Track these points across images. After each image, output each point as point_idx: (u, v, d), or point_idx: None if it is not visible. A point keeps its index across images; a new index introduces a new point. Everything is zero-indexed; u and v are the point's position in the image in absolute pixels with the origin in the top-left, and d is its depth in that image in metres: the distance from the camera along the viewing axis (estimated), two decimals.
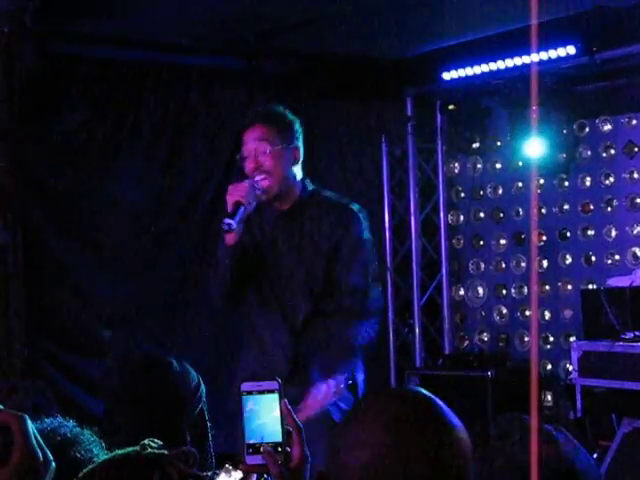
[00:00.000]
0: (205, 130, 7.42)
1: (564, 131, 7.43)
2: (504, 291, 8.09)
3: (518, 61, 7.14)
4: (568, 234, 7.69)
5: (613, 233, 7.42)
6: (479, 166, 8.23)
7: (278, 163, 4.42)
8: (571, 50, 6.84)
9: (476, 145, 8.17)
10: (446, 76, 7.64)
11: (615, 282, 6.84)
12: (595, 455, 6.35)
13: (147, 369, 2.97)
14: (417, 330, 8.26)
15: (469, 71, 7.48)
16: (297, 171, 4.55)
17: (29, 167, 6.70)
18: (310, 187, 4.61)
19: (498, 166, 8.12)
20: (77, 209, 6.93)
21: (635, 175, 7.29)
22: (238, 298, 4.61)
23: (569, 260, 7.68)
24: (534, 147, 7.32)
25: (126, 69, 7.00)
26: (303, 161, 7.77)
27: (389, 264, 8.28)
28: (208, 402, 3.14)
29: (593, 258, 7.55)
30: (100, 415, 3.01)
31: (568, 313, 7.60)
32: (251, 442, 2.33)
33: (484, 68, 7.38)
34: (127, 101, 7.05)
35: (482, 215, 8.24)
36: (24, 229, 6.57)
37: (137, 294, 7.10)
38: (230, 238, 4.32)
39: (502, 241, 8.10)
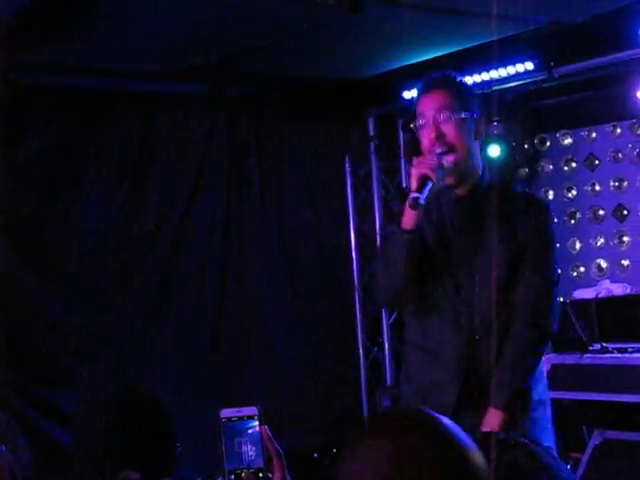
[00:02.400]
0: (169, 156, 7.42)
1: (525, 146, 7.50)
2: None
3: (477, 78, 7.20)
4: None
5: (577, 245, 7.48)
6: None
7: (462, 134, 3.75)
8: (529, 66, 6.91)
9: None
10: (407, 95, 7.68)
11: (581, 294, 6.90)
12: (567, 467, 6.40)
13: (117, 399, 2.96)
14: (387, 348, 8.27)
15: None
16: (477, 150, 3.87)
17: None
18: (488, 171, 3.93)
19: None
20: (42, 237, 6.91)
21: (597, 187, 7.36)
22: (410, 298, 3.99)
23: None
24: (494, 150, 7.35)
25: (89, 96, 6.99)
26: (269, 180, 7.87)
27: (357, 283, 8.29)
28: (178, 427, 3.15)
29: (558, 271, 7.57)
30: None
31: None
32: (232, 468, 2.34)
33: None
34: (91, 128, 7.04)
35: None
36: None
37: (106, 322, 7.08)
38: (409, 221, 3.65)
39: None
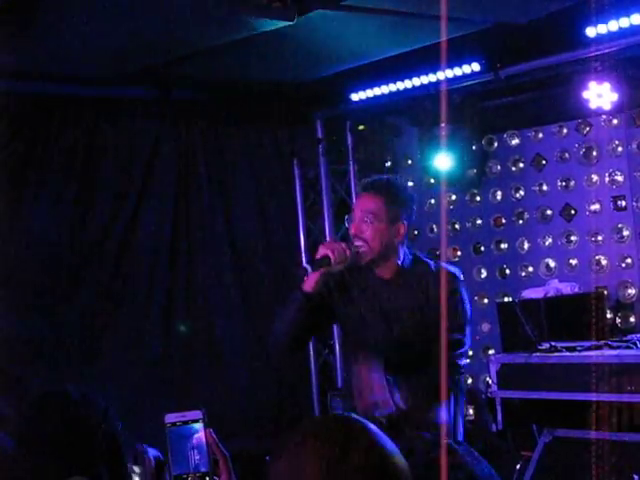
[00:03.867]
0: (116, 160, 7.37)
1: (473, 147, 7.53)
2: None
3: (425, 79, 7.22)
4: (482, 248, 7.79)
5: (526, 245, 7.53)
6: None
7: (378, 236, 4.58)
8: (476, 67, 6.94)
9: (388, 164, 8.24)
10: (354, 97, 7.70)
11: (529, 294, 6.94)
12: (518, 466, 6.43)
13: (43, 408, 2.93)
14: (337, 350, 8.27)
15: (377, 91, 7.55)
16: (400, 244, 4.67)
17: None
18: (410, 256, 4.74)
19: (410, 184, 8.16)
20: None
21: (544, 187, 7.41)
22: (301, 345, 5.05)
23: (484, 274, 7.77)
24: (443, 161, 7.41)
25: (34, 102, 6.92)
26: (218, 184, 7.83)
27: None
28: (131, 433, 3.11)
29: (507, 271, 7.64)
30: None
31: (486, 326, 7.68)
32: (178, 473, 2.32)
33: (392, 87, 7.46)
34: (35, 134, 6.97)
35: None
36: None
37: (51, 329, 7.01)
38: (309, 284, 4.53)
39: None
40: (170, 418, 2.33)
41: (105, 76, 6.93)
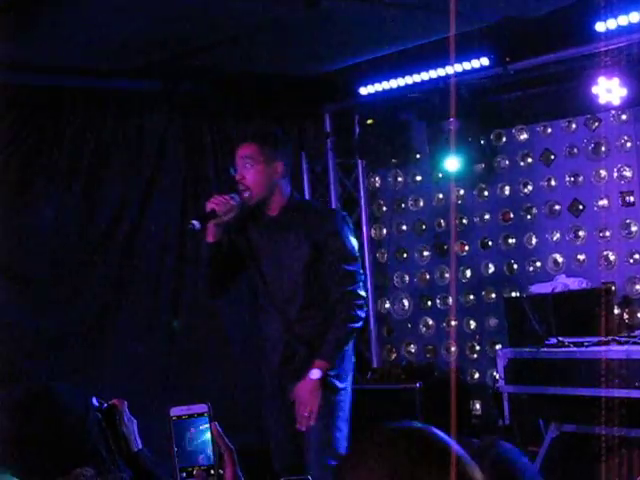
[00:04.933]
0: (124, 154, 7.36)
1: (481, 141, 7.52)
2: (429, 302, 8.14)
3: (434, 74, 7.21)
4: (490, 243, 7.77)
5: (533, 240, 7.52)
6: (400, 179, 8.28)
7: (258, 178, 5.12)
8: (485, 61, 6.92)
9: (396, 159, 8.23)
10: (363, 91, 7.69)
11: (537, 289, 6.93)
12: None
13: (25, 406, 2.93)
14: None
15: (386, 85, 7.55)
16: (282, 183, 5.23)
17: None
18: (297, 197, 5.40)
19: (418, 178, 8.19)
20: None
21: (552, 182, 7.39)
22: (222, 292, 5.56)
23: (492, 269, 7.75)
24: (452, 163, 7.41)
25: (42, 95, 6.92)
26: (225, 177, 7.83)
27: None
28: (139, 426, 3.13)
29: (515, 266, 7.63)
30: None
31: (493, 321, 7.67)
32: (183, 466, 2.32)
33: (400, 82, 7.45)
34: (43, 127, 6.97)
35: (404, 228, 8.29)
36: None
37: (59, 323, 7.01)
38: (209, 236, 5.09)
39: (425, 253, 8.15)
40: (175, 411, 2.33)
41: (112, 69, 6.94)
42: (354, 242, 5.32)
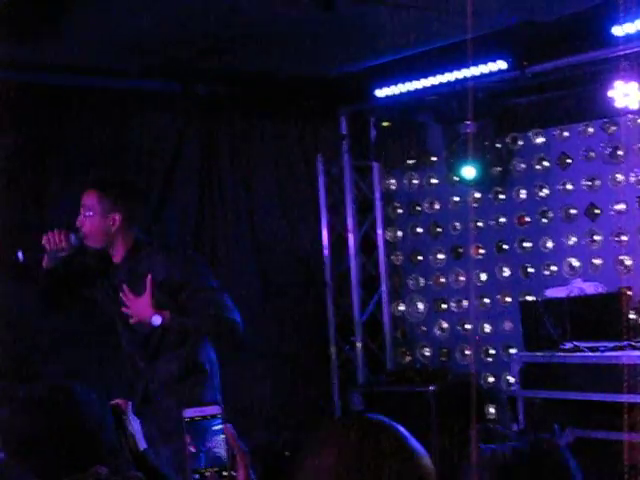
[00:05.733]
0: (140, 154, 7.36)
1: (498, 145, 7.50)
2: (444, 305, 8.13)
3: (450, 77, 7.20)
4: (505, 247, 7.75)
5: (549, 244, 7.50)
6: (415, 182, 8.27)
7: (95, 228, 5.04)
8: (502, 65, 6.91)
9: (411, 161, 8.22)
10: (379, 93, 7.68)
11: (553, 293, 6.91)
12: None
13: (44, 404, 2.93)
14: (359, 347, 8.27)
15: (402, 88, 7.53)
16: (122, 232, 5.08)
17: None
18: (139, 241, 5.15)
19: (434, 181, 8.17)
20: (13, 236, 6.84)
21: (569, 186, 7.37)
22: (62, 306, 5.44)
23: (507, 272, 7.73)
24: (469, 171, 7.40)
25: (59, 94, 6.93)
26: (241, 178, 7.83)
27: (328, 281, 8.28)
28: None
29: (530, 270, 7.61)
30: None
31: (508, 325, 7.65)
32: (196, 468, 2.32)
33: (417, 84, 7.44)
34: (60, 126, 6.98)
35: (420, 230, 8.28)
36: None
37: (75, 322, 7.01)
38: (44, 262, 5.05)
39: (440, 256, 8.14)
40: (189, 413, 2.33)
41: (130, 69, 6.95)
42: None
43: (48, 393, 2.97)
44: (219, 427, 2.31)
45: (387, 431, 1.96)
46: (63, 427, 2.85)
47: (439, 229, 8.14)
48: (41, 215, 6.90)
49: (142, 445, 3.17)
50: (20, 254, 4.97)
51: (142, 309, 4.87)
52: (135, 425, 3.17)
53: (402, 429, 1.98)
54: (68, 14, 5.61)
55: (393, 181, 8.43)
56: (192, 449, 2.31)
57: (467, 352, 7.94)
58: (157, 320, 4.84)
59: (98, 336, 7.07)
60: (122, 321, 5.14)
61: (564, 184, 7.40)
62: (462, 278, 8.01)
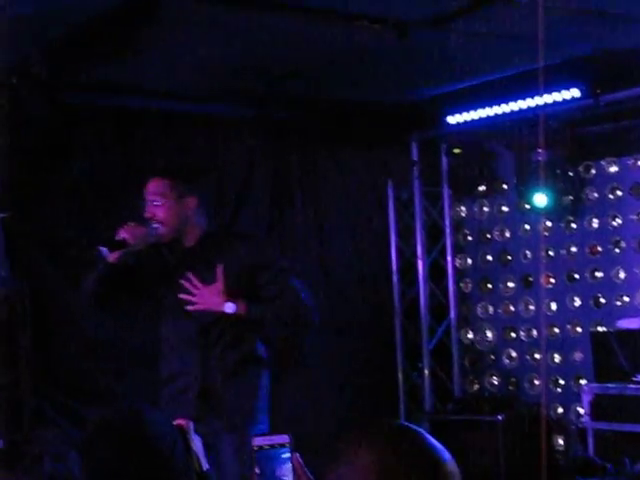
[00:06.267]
0: (212, 178, 7.42)
1: (570, 173, 7.45)
2: (513, 334, 8.07)
3: (523, 104, 7.17)
4: (576, 276, 7.67)
5: (621, 275, 7.41)
6: (486, 209, 8.24)
7: (170, 214, 4.97)
8: (576, 93, 6.87)
9: (482, 188, 8.19)
10: (451, 120, 7.67)
11: (625, 324, 6.83)
12: None
13: (117, 430, 2.95)
14: (426, 374, 8.23)
15: (474, 115, 7.52)
16: (196, 216, 5.05)
17: (37, 215, 6.72)
18: (213, 228, 5.22)
19: (505, 209, 8.13)
20: (83, 254, 6.92)
21: None
22: (106, 302, 5.14)
23: (578, 302, 7.66)
24: (540, 199, 7.36)
25: (134, 117, 7.03)
26: (311, 203, 7.85)
27: (397, 308, 8.27)
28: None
29: (602, 300, 7.52)
30: None
31: (578, 356, 7.57)
32: None
33: (489, 111, 7.42)
34: (136, 148, 7.08)
35: (490, 258, 8.23)
36: (31, 277, 6.57)
37: (146, 342, 7.07)
38: (112, 257, 4.88)
39: (510, 284, 8.09)
40: (258, 441, 2.34)
41: (205, 94, 7.02)
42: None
43: (119, 417, 2.99)
44: (287, 456, 2.32)
45: (410, 436, 1.97)
46: (136, 451, 2.87)
47: (509, 257, 8.09)
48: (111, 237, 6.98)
49: (205, 465, 3.18)
50: (104, 249, 4.85)
51: (212, 297, 4.82)
52: (198, 444, 3.18)
53: (427, 435, 1.98)
54: (145, 38, 5.69)
55: (463, 208, 8.40)
56: (261, 477, 2.32)
57: (536, 382, 7.86)
58: (230, 308, 4.80)
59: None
60: (174, 310, 5.04)
61: (637, 214, 7.32)
62: (532, 307, 7.95)
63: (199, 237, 5.07)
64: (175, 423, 3.13)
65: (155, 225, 4.97)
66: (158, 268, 5.15)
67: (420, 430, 2.00)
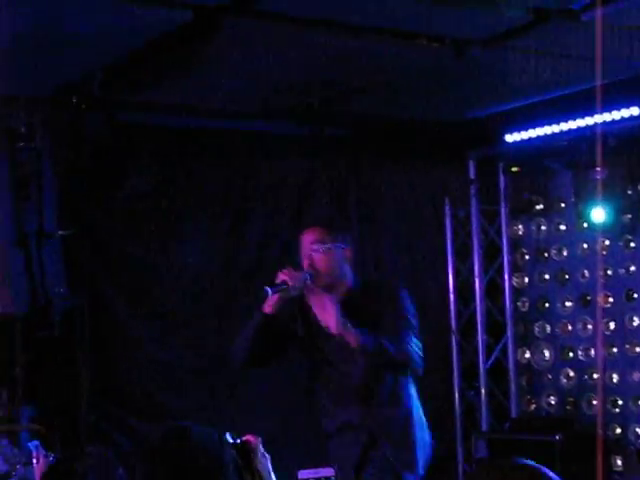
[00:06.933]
0: (268, 194, 7.46)
1: (629, 192, 7.39)
2: (571, 354, 8.00)
3: (581, 122, 7.14)
4: (635, 295, 7.60)
5: None
6: (543, 228, 8.19)
7: (328, 262, 5.08)
8: (635, 111, 6.83)
9: (540, 207, 8.15)
10: (509, 138, 7.65)
11: None
12: None
13: (160, 448, 2.97)
14: (483, 393, 8.19)
15: (532, 133, 7.50)
16: (347, 267, 5.19)
17: (96, 233, 6.80)
18: (357, 278, 5.25)
19: (562, 227, 8.08)
20: (142, 274, 7.00)
21: None
22: (260, 362, 5.24)
23: (636, 322, 7.58)
24: (598, 214, 7.30)
25: (191, 136, 7.09)
26: (368, 220, 7.86)
27: (453, 326, 8.24)
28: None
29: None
30: None
31: (637, 375, 7.49)
32: None
33: (547, 130, 7.39)
34: (192, 167, 7.14)
35: (547, 277, 8.18)
36: (91, 294, 6.64)
37: (200, 360, 7.12)
38: (268, 306, 4.97)
39: (568, 303, 8.03)
40: (303, 474, 2.36)
41: (261, 112, 7.07)
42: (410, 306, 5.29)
43: (162, 436, 3.01)
44: None
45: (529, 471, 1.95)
46: (177, 469, 2.89)
47: (567, 276, 8.03)
48: (169, 256, 7.04)
49: None
50: (269, 289, 4.90)
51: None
52: (265, 462, 3.19)
53: (550, 473, 1.98)
54: (204, 58, 5.75)
55: (521, 227, 8.36)
56: None
57: (594, 402, 7.79)
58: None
59: (218, 375, 7.18)
60: (329, 363, 5.18)
61: None
62: (590, 326, 7.88)
63: (347, 290, 5.17)
64: (244, 439, 3.15)
65: (312, 272, 5.05)
66: (305, 325, 5.20)
67: (541, 467, 1.99)
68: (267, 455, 3.20)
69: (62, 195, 6.49)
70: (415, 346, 5.15)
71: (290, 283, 4.93)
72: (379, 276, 5.37)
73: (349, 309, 5.01)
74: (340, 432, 5.12)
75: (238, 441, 3.16)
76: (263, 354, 5.17)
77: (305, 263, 5.10)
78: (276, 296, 4.93)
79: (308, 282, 5.00)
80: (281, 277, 4.95)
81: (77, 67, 5.86)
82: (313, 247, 5.09)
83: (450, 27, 5.54)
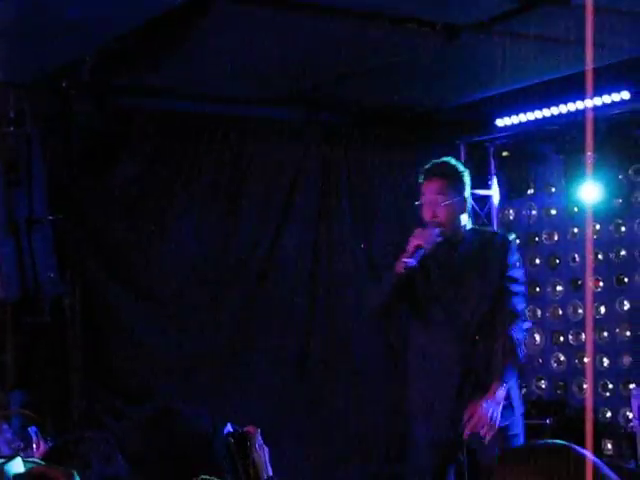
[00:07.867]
0: (261, 179, 7.45)
1: (619, 176, 7.40)
2: (561, 338, 8.02)
3: (572, 107, 7.14)
4: (625, 279, 7.62)
5: None
6: (534, 212, 8.20)
7: (451, 213, 5.18)
8: (625, 95, 6.83)
9: (530, 191, 8.16)
10: (499, 123, 7.66)
11: None
12: None
13: (151, 422, 2.99)
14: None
15: (522, 117, 7.50)
16: (464, 217, 5.30)
17: (87, 218, 6.78)
18: (469, 226, 5.38)
19: (553, 212, 8.09)
20: (133, 260, 6.98)
21: None
22: (392, 313, 5.57)
23: (627, 306, 7.60)
24: (589, 192, 7.31)
25: (183, 121, 7.07)
26: (359, 207, 7.86)
27: None
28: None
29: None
30: None
31: (627, 359, 7.52)
32: None
33: (538, 114, 7.39)
34: (184, 152, 7.12)
35: (538, 261, 8.19)
36: (81, 280, 6.63)
37: (192, 344, 7.12)
38: (400, 267, 5.06)
39: (558, 287, 8.04)
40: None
41: (254, 97, 7.06)
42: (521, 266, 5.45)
43: (156, 415, 3.03)
44: None
45: (577, 459, 1.96)
46: (169, 446, 2.90)
47: (557, 260, 8.04)
48: (163, 240, 7.03)
49: (267, 473, 3.19)
50: (410, 261, 5.02)
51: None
52: (262, 453, 3.19)
53: (593, 457, 1.98)
54: (194, 42, 5.74)
55: (511, 211, 8.37)
56: None
57: (584, 386, 7.81)
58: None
59: (216, 361, 7.18)
60: (442, 307, 5.25)
61: None
62: (580, 311, 7.90)
63: (463, 236, 5.29)
64: (245, 429, 3.16)
65: (435, 223, 5.17)
66: (424, 273, 5.28)
67: (583, 451, 1.99)
68: (265, 447, 3.21)
69: (52, 180, 6.47)
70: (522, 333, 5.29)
71: (425, 245, 5.06)
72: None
73: (462, 252, 5.25)
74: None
75: (239, 431, 3.17)
76: (395, 304, 5.33)
77: (428, 212, 5.19)
78: (406, 261, 5.04)
79: (439, 239, 5.12)
80: (415, 242, 5.07)
81: (67, 52, 5.83)
82: (438, 199, 5.17)
83: (441, 12, 5.54)
